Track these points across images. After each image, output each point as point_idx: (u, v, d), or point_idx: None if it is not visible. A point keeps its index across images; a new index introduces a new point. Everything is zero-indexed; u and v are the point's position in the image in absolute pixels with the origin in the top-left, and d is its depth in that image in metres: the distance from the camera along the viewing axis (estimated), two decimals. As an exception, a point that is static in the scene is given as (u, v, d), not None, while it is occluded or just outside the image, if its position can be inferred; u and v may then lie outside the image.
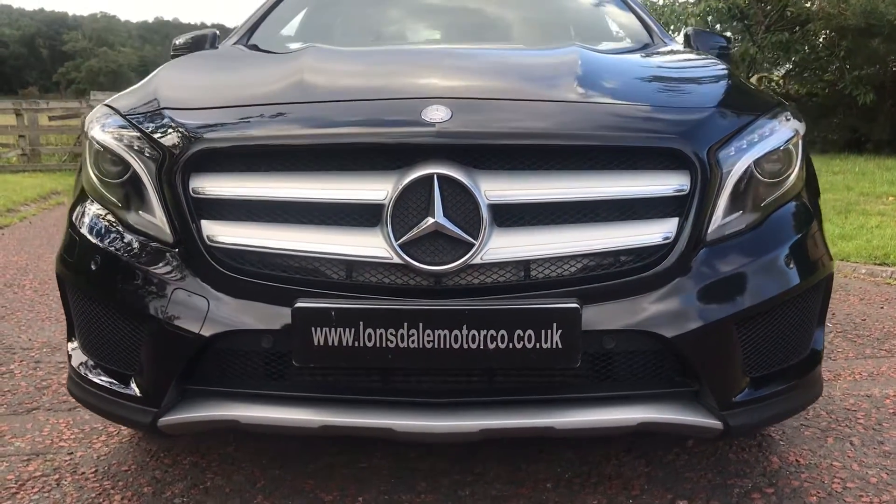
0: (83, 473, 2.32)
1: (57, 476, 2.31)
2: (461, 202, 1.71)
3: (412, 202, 1.70)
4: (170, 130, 1.88)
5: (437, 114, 1.76)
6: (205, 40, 3.24)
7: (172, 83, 2.17)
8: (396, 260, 1.70)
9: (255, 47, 2.97)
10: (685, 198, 1.78)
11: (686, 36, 3.32)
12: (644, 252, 1.76)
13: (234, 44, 3.08)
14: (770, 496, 2.16)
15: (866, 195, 7.33)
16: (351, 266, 1.73)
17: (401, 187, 1.70)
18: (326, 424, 1.75)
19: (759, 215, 1.91)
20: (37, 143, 12.50)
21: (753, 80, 12.55)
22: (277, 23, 3.34)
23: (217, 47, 3.16)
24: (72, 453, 2.47)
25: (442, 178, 1.70)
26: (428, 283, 1.71)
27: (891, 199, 7.07)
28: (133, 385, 1.88)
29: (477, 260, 1.71)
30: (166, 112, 1.94)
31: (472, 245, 1.70)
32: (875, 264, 5.18)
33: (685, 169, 1.79)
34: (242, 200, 1.79)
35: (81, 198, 2.08)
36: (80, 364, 2.02)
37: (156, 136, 1.88)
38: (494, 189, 1.73)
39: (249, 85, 2.12)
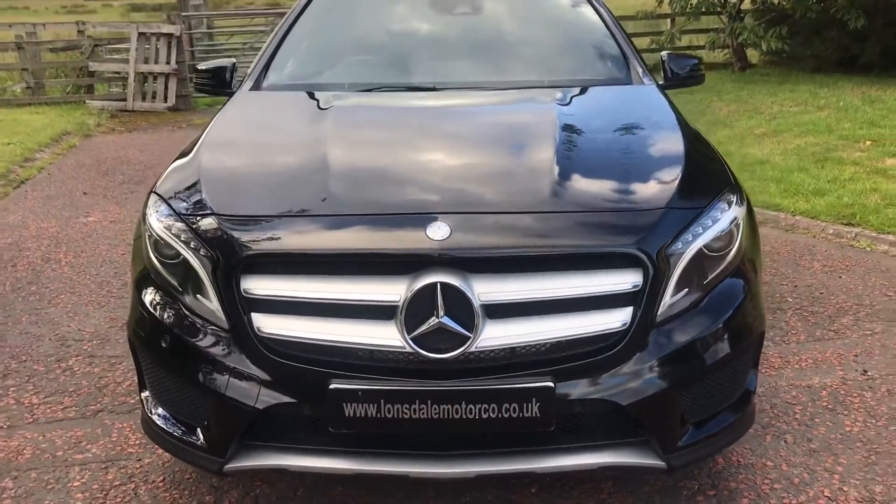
0: (154, 482, 2.84)
1: (133, 485, 2.84)
2: (459, 303, 2.15)
3: (420, 303, 2.15)
4: (222, 236, 2.30)
5: (438, 231, 2.19)
6: (224, 71, 3.61)
7: (215, 177, 2.58)
8: (409, 349, 2.17)
9: (270, 98, 3.34)
10: (639, 291, 2.23)
11: (662, 60, 3.67)
12: (604, 337, 2.22)
13: (252, 88, 3.44)
14: (711, 498, 2.69)
15: (846, 139, 7.67)
16: (372, 354, 2.20)
17: (411, 294, 2.14)
18: (357, 471, 2.26)
19: (702, 293, 2.35)
20: (41, 77, 12.69)
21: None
22: (288, 54, 3.67)
23: (232, 83, 3.53)
24: (140, 460, 2.99)
25: (444, 285, 2.14)
26: (434, 368, 2.17)
27: (868, 143, 7.41)
28: (201, 436, 2.37)
29: (473, 349, 2.16)
30: (221, 216, 2.36)
31: (469, 338, 2.15)
32: (842, 224, 5.60)
33: (639, 268, 2.23)
34: (285, 299, 2.23)
35: (144, 278, 2.51)
36: (153, 412, 2.51)
37: (210, 239, 2.31)
38: (486, 291, 2.17)
39: (284, 185, 2.52)
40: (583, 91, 3.26)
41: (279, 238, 2.31)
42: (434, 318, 2.15)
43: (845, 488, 2.72)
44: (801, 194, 6.14)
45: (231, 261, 2.26)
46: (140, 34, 12.31)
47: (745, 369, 2.49)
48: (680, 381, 2.28)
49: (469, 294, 2.15)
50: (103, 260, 5.32)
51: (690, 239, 2.32)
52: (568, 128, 2.78)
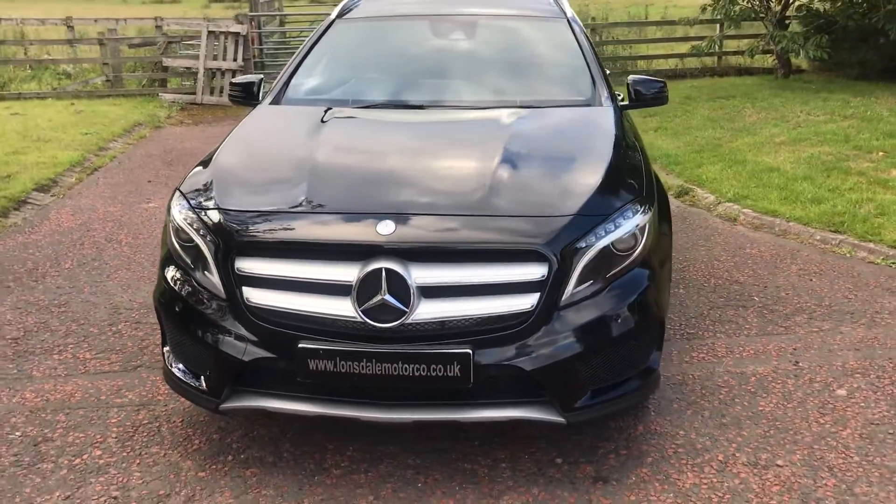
0: (174, 422, 3.52)
1: (157, 424, 3.52)
2: (399, 284, 2.75)
3: (369, 283, 2.76)
4: (223, 226, 2.96)
5: (386, 228, 2.80)
6: (253, 85, 4.27)
7: (227, 181, 3.23)
8: (360, 319, 2.78)
9: (284, 111, 3.98)
10: (544, 280, 2.80)
11: (627, 83, 4.18)
12: (515, 316, 2.80)
13: (271, 102, 4.09)
14: (623, 456, 3.23)
15: (859, 149, 7.96)
16: (332, 321, 2.82)
17: (362, 276, 2.76)
18: (319, 413, 2.89)
19: (603, 284, 2.91)
20: (119, 70, 13.70)
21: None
22: (305, 73, 4.31)
23: (259, 96, 4.18)
24: (166, 405, 3.68)
25: (388, 270, 2.75)
26: (378, 334, 2.78)
27: (881, 154, 7.71)
28: (203, 382, 3.03)
29: (409, 321, 2.77)
30: (223, 210, 3.01)
31: (405, 312, 2.76)
32: (830, 231, 5.99)
33: (545, 262, 2.80)
34: (268, 277, 2.88)
35: (167, 258, 3.18)
36: (172, 364, 3.18)
37: (214, 227, 2.97)
38: (421, 276, 2.77)
39: (275, 185, 3.16)
40: (544, 112, 3.82)
41: (266, 229, 2.95)
42: (379, 295, 2.76)
43: (738, 454, 3.23)
44: (799, 202, 6.52)
45: (229, 245, 2.92)
46: (209, 32, 13.19)
47: (643, 349, 3.03)
48: (576, 353, 2.83)
49: (407, 278, 2.75)
50: (157, 242, 6.07)
51: (593, 241, 2.88)
52: (514, 144, 3.35)
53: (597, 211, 2.97)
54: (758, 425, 3.44)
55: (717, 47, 12.81)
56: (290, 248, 2.90)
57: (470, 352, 2.75)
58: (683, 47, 14.15)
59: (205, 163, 3.48)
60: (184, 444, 3.35)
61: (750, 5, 12.56)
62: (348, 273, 2.79)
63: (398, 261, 2.77)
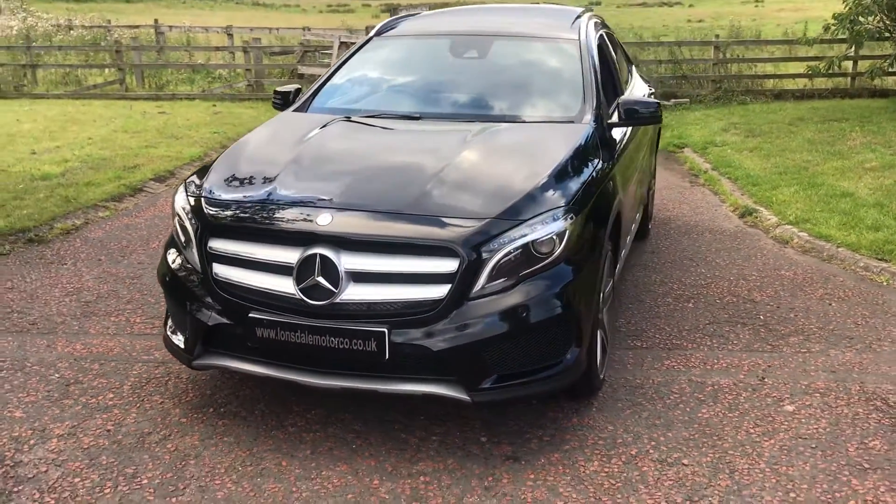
0: (181, 378, 4.13)
1: (167, 378, 4.14)
2: (330, 268, 3.22)
3: (307, 265, 3.24)
4: (203, 211, 3.53)
5: (324, 219, 3.28)
6: (289, 94, 4.86)
7: (218, 174, 3.80)
8: (298, 296, 3.26)
9: (299, 118, 4.53)
10: (455, 273, 3.18)
11: (617, 103, 4.43)
12: (427, 303, 3.19)
13: (295, 110, 4.66)
14: (544, 442, 3.54)
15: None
16: (276, 296, 3.32)
17: (301, 259, 3.24)
18: (265, 374, 3.40)
19: (514, 281, 3.24)
20: (261, 76, 14.94)
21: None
22: (333, 86, 4.85)
23: (294, 101, 4.76)
24: (180, 364, 4.30)
25: (321, 255, 3.22)
26: (311, 310, 3.25)
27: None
28: (182, 342, 3.61)
29: (337, 300, 3.22)
30: (205, 198, 3.59)
31: (335, 292, 3.22)
32: (876, 259, 5.90)
33: (457, 258, 3.18)
34: (231, 255, 3.42)
35: (170, 240, 3.79)
36: (167, 326, 3.79)
37: (198, 213, 3.55)
38: (350, 262, 3.22)
39: (253, 178, 3.71)
40: (520, 126, 4.18)
41: (232, 214, 3.50)
42: (313, 277, 3.23)
43: (651, 451, 3.45)
44: (856, 228, 6.43)
45: (205, 227, 3.48)
46: (341, 43, 14.14)
47: (553, 343, 3.33)
48: (480, 340, 3.19)
49: (337, 263, 3.21)
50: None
51: (505, 242, 3.23)
52: (470, 154, 3.73)
53: (514, 216, 3.31)
54: (687, 429, 3.64)
55: (836, 67, 12.38)
56: (247, 231, 3.43)
57: (385, 331, 3.17)
58: (799, 67, 13.74)
59: (208, 164, 4.08)
60: (180, 396, 3.95)
61: (882, 24, 12.07)
62: (291, 256, 3.29)
63: (331, 248, 3.24)
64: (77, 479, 3.26)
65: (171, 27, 21.14)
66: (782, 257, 6.13)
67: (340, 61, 5.08)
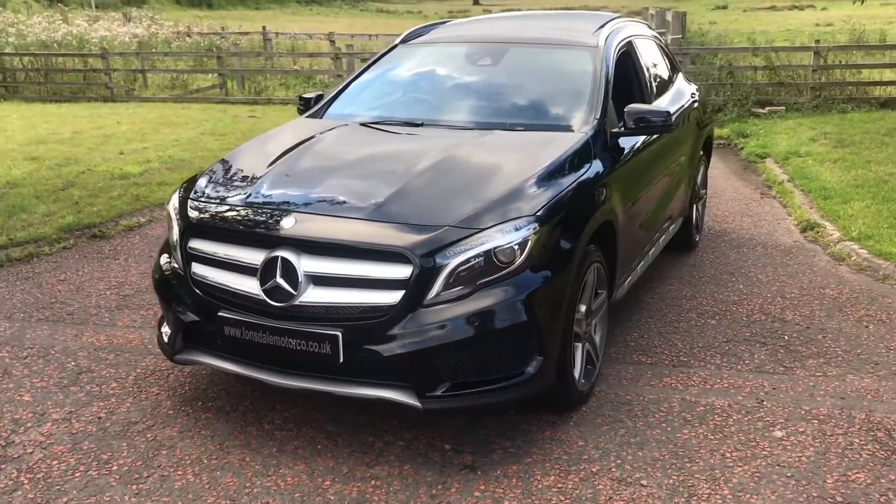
0: (183, 371, 4.29)
1: (170, 371, 4.32)
2: (291, 271, 3.30)
3: (269, 267, 3.33)
4: (187, 212, 3.68)
5: (288, 223, 3.36)
6: (311, 101, 4.99)
7: (208, 176, 3.95)
8: (261, 297, 3.36)
9: (308, 123, 4.64)
10: (408, 280, 3.19)
11: (624, 111, 4.33)
12: (381, 308, 3.22)
13: (309, 115, 4.77)
14: (508, 453, 3.49)
15: None
16: (242, 296, 3.42)
17: (265, 261, 3.34)
18: (234, 371, 3.51)
19: (471, 290, 3.23)
20: (350, 81, 15.30)
21: None
22: (356, 88, 4.95)
23: (313, 106, 4.88)
24: (189, 359, 4.48)
25: (283, 258, 3.31)
26: (273, 311, 3.34)
27: None
28: (167, 337, 3.78)
29: (296, 302, 3.29)
30: (190, 200, 3.74)
31: (294, 295, 3.29)
32: (932, 279, 5.52)
33: (409, 264, 3.19)
34: (207, 255, 3.55)
35: (166, 242, 3.96)
36: (160, 323, 3.96)
37: (183, 213, 3.70)
38: (309, 265, 3.29)
39: (241, 180, 3.83)
40: (513, 133, 4.15)
41: (209, 216, 3.63)
42: (274, 279, 3.32)
43: (614, 470, 3.36)
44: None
45: (186, 227, 3.64)
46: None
47: (511, 353, 3.29)
48: (432, 347, 3.19)
49: (297, 266, 3.29)
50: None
51: (461, 250, 3.22)
52: (446, 162, 3.74)
53: (472, 224, 3.29)
54: (660, 449, 3.52)
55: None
56: (221, 232, 3.56)
57: (339, 334, 3.22)
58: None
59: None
60: (175, 389, 4.12)
61: None
62: (257, 257, 3.39)
63: (293, 251, 3.32)
64: (55, 462, 3.46)
65: (277, 34, 21.92)
66: (832, 275, 5.81)
67: (363, 67, 5.17)
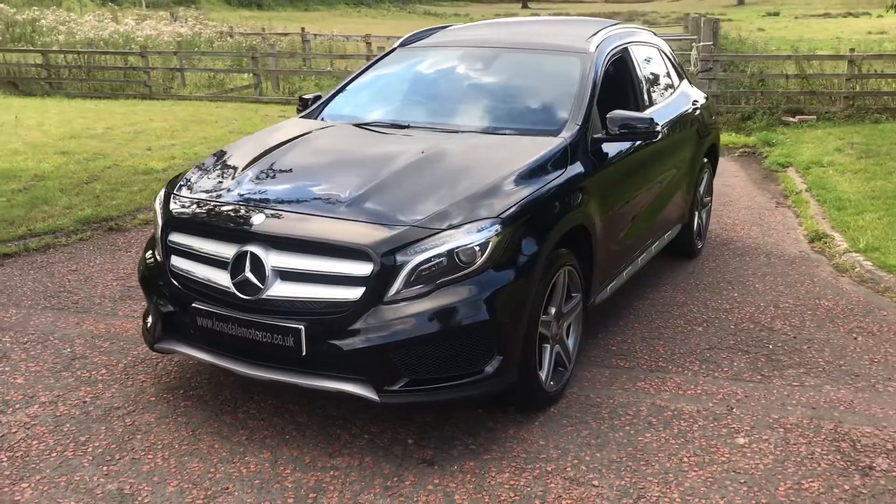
0: (172, 362, 4.45)
1: (160, 361, 4.47)
2: (259, 265, 3.42)
3: (239, 261, 3.46)
4: (169, 207, 3.83)
5: (258, 219, 3.48)
6: (308, 101, 5.12)
7: (195, 172, 4.09)
8: (232, 290, 3.48)
9: (300, 122, 4.77)
10: (369, 277, 3.29)
11: (606, 117, 4.37)
12: (343, 303, 3.32)
13: (304, 116, 4.90)
14: (469, 450, 3.57)
15: None
16: (214, 289, 3.55)
17: (235, 255, 3.46)
18: (208, 361, 3.64)
19: (431, 288, 3.31)
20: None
21: None
22: (351, 90, 5.06)
23: (310, 107, 5.01)
24: (179, 349, 4.63)
25: (252, 252, 3.43)
26: (241, 304, 3.46)
27: None
28: (147, 326, 3.92)
29: (264, 296, 3.41)
30: (173, 194, 3.89)
31: (262, 288, 3.41)
32: (933, 293, 5.45)
33: (370, 261, 3.29)
34: (185, 248, 3.69)
35: (151, 237, 4.10)
36: (145, 315, 4.12)
37: (165, 207, 3.85)
38: (276, 260, 3.41)
39: (221, 177, 3.97)
40: (494, 137, 4.22)
41: (188, 211, 3.77)
42: (244, 273, 3.45)
43: (569, 470, 3.41)
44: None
45: (167, 221, 3.78)
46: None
47: (469, 352, 3.36)
48: (390, 343, 3.28)
49: (264, 261, 3.41)
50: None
51: (421, 249, 3.31)
52: (420, 162, 3.83)
53: (434, 224, 3.38)
54: (619, 452, 3.56)
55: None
56: (198, 226, 3.70)
57: (302, 328, 3.33)
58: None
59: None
60: (161, 377, 4.27)
61: None
62: (229, 252, 3.51)
63: (261, 246, 3.44)
64: (35, 442, 3.63)
65: (316, 35, 22.22)
66: (831, 286, 5.77)
67: (360, 69, 5.29)
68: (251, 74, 17.04)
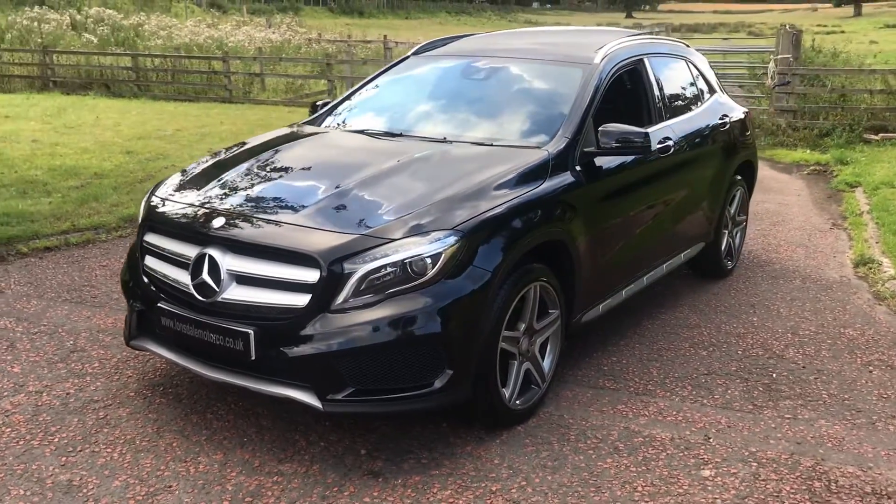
0: (153, 361, 4.56)
1: (148, 359, 4.59)
2: (216, 268, 3.46)
3: (199, 263, 3.51)
4: (146, 208, 3.93)
5: (218, 222, 3.53)
6: (317, 107, 5.17)
7: (180, 175, 4.19)
8: (191, 290, 3.54)
9: (298, 128, 4.82)
10: (316, 284, 3.28)
11: (596, 130, 4.24)
12: (291, 309, 3.32)
13: (308, 122, 4.95)
14: (421, 464, 3.51)
15: None
16: (177, 290, 3.62)
17: (196, 256, 3.52)
18: (171, 360, 3.71)
19: (380, 298, 3.28)
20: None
21: None
22: (345, 106, 5.09)
23: (317, 113, 5.06)
24: (174, 347, 4.74)
25: (209, 255, 3.48)
26: (199, 306, 3.51)
27: None
28: (126, 326, 4.03)
29: (219, 299, 3.46)
30: (153, 196, 3.99)
31: (217, 291, 3.45)
32: (970, 328, 5.09)
33: (317, 268, 3.29)
34: (156, 248, 3.78)
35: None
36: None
37: (144, 209, 3.96)
38: (232, 264, 3.44)
39: (200, 181, 4.04)
40: (480, 148, 4.16)
41: (160, 212, 3.85)
42: (202, 276, 3.50)
43: (513, 490, 3.31)
44: None
45: (144, 222, 3.88)
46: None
47: (418, 364, 3.31)
48: (334, 352, 3.26)
49: (220, 264, 3.45)
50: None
51: (371, 258, 3.28)
52: (397, 170, 3.83)
53: (385, 234, 3.35)
54: (573, 476, 3.44)
55: None
56: (167, 228, 3.78)
57: (251, 332, 3.35)
58: None
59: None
60: (146, 374, 4.37)
61: None
62: (190, 253, 3.58)
63: (219, 249, 3.48)
64: (8, 430, 3.76)
65: (398, 43, 22.48)
66: (863, 315, 5.44)
67: (371, 76, 5.31)
68: (326, 81, 17.35)
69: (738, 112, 6.18)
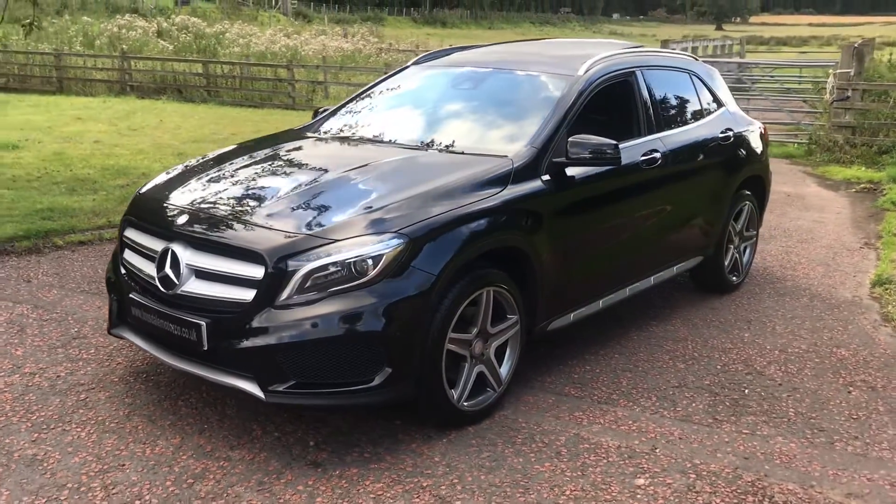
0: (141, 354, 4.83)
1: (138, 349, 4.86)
2: (177, 262, 3.69)
3: (163, 257, 3.74)
4: (130, 205, 4.20)
5: (182, 219, 3.76)
6: (317, 113, 5.39)
7: (166, 175, 4.45)
8: (156, 283, 3.78)
9: (294, 133, 5.03)
10: (262, 280, 3.47)
11: (567, 141, 4.31)
12: (239, 304, 3.51)
13: (304, 127, 5.16)
14: (364, 458, 3.64)
15: None
16: (146, 281, 3.86)
17: (161, 250, 3.75)
18: (144, 349, 3.94)
19: (322, 296, 3.44)
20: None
21: None
22: (341, 114, 5.27)
23: (318, 119, 5.27)
24: (169, 338, 5.00)
25: (172, 250, 3.71)
26: (162, 297, 3.74)
27: None
28: (109, 315, 4.29)
29: (178, 291, 3.67)
30: (137, 193, 4.26)
31: (177, 284, 3.68)
32: (968, 353, 4.94)
33: (262, 265, 3.47)
34: (132, 242, 4.03)
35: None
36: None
37: (129, 206, 4.22)
38: (191, 259, 3.66)
39: (180, 180, 4.28)
40: (448, 155, 4.28)
41: (139, 209, 4.12)
42: (165, 269, 3.73)
43: (443, 487, 3.41)
44: None
45: (125, 217, 4.15)
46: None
47: (358, 361, 3.45)
48: (275, 345, 3.43)
49: (182, 259, 3.68)
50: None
51: (314, 257, 3.45)
52: (354, 173, 4.01)
53: (329, 234, 3.51)
54: (507, 477, 3.51)
55: None
56: (141, 223, 4.03)
57: (203, 324, 3.56)
58: None
59: (193, 163, 4.74)
60: (135, 361, 4.63)
61: None
62: (158, 247, 3.81)
63: (181, 244, 3.71)
64: (-7, 407, 4.07)
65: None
66: (862, 335, 5.33)
67: (370, 84, 5.49)
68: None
69: (748, 126, 6.12)
